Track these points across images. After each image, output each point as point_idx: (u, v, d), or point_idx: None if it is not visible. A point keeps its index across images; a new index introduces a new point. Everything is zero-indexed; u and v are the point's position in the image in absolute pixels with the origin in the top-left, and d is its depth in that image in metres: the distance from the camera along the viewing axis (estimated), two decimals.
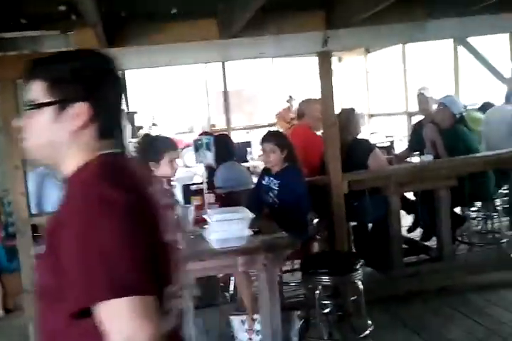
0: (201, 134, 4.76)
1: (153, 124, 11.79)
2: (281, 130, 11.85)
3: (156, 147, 3.00)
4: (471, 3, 3.55)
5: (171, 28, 3.60)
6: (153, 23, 3.65)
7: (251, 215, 2.77)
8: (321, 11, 3.69)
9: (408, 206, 4.75)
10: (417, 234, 4.81)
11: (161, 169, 2.94)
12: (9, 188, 3.52)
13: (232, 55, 3.87)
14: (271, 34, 3.62)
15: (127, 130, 9.54)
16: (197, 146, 3.31)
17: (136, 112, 11.35)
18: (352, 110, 4.29)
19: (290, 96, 11.46)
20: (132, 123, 10.37)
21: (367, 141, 4.32)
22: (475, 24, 3.77)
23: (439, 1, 3.58)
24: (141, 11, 3.62)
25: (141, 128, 11.33)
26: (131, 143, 9.61)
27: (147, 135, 4.83)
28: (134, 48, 3.51)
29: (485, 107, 5.67)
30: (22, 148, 3.44)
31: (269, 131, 3.96)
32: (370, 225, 4.29)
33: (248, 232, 2.75)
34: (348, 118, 4.15)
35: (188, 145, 16.29)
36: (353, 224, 4.20)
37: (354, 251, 4.15)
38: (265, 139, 3.59)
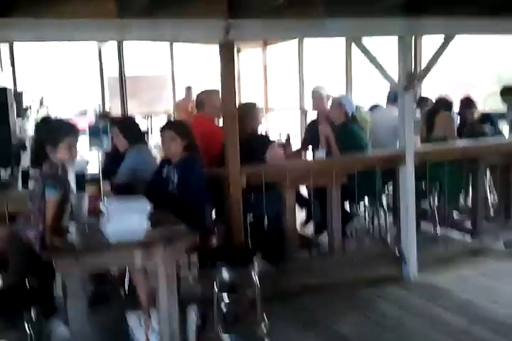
0: (101, 117, 4.57)
1: (42, 104, 11.06)
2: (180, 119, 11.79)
3: (55, 131, 2.86)
4: (366, 4, 3.71)
5: (65, 3, 3.39)
6: None
7: (150, 206, 2.70)
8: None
9: (302, 200, 4.93)
10: (310, 228, 4.99)
11: (59, 154, 2.81)
12: None
13: (129, 36, 3.70)
14: (171, 18, 3.53)
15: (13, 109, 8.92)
16: (93, 131, 3.16)
17: (22, 92, 10.61)
18: (253, 104, 4.34)
19: (189, 87, 11.34)
20: (19, 102, 9.69)
21: (265, 135, 4.41)
22: (369, 25, 3.93)
23: (338, 1, 3.71)
24: None
25: (28, 108, 10.61)
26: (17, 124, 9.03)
27: (45, 118, 4.54)
28: (22, 20, 3.25)
29: (374, 108, 6.03)
30: None
31: (170, 120, 3.90)
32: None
33: (146, 224, 2.68)
34: (248, 112, 4.20)
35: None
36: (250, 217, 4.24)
37: (250, 245, 4.21)
38: (166, 127, 3.52)
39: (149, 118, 11.92)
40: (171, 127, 3.49)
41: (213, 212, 4.12)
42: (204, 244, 3.42)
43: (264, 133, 4.61)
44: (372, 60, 4.08)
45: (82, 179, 3.39)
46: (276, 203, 4.11)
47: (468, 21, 4.03)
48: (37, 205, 2.79)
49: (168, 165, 3.52)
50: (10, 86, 10.13)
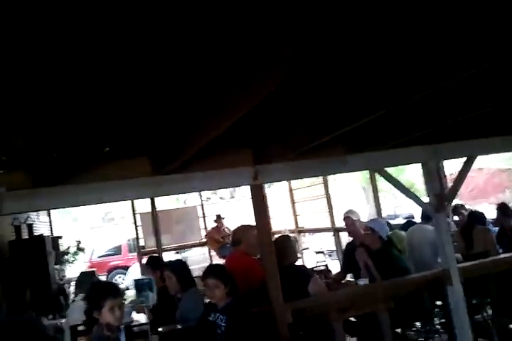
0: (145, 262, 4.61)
1: (79, 249, 11.37)
2: (212, 249, 11.89)
3: (95, 295, 2.91)
4: (381, 143, 3.95)
5: (104, 167, 3.69)
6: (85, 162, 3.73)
7: None
8: (248, 149, 3.96)
9: (350, 328, 4.77)
10: None
11: (103, 317, 2.82)
12: None
13: (163, 191, 3.95)
14: (201, 171, 3.78)
15: (52, 256, 9.16)
16: (139, 287, 3.22)
17: (60, 237, 11.00)
18: (287, 237, 4.43)
19: (218, 216, 11.62)
20: (56, 248, 10.01)
21: (305, 267, 4.41)
22: (391, 156, 4.13)
23: (355, 140, 3.95)
24: (73, 150, 3.71)
25: (66, 253, 10.92)
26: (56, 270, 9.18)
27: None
28: (63, 187, 3.52)
29: (407, 225, 6.04)
30: None
31: (211, 265, 3.98)
32: None
33: None
34: (284, 245, 4.27)
35: (115, 267, 15.89)
36: None
37: None
38: (208, 274, 3.59)
39: (183, 251, 12.09)
40: (214, 274, 3.56)
41: None
42: None
43: (302, 265, 4.60)
44: (398, 186, 4.22)
45: (130, 331, 3.39)
46: (326, 335, 4.00)
47: (490, 141, 4.21)
48: None
49: (214, 312, 3.53)
50: (47, 233, 10.61)
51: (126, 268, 15.15)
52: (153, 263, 4.58)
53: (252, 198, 3.93)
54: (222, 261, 11.66)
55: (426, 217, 5.38)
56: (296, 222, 11.19)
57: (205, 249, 12.49)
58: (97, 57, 1.92)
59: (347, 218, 5.19)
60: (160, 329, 3.59)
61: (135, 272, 12.92)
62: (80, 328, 3.63)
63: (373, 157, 4.05)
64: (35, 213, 10.19)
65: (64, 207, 3.81)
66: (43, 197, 3.34)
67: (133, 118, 3.09)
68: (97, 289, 3.00)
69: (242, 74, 2.20)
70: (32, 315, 4.50)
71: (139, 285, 3.21)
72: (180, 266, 4.43)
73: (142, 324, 3.43)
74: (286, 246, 4.24)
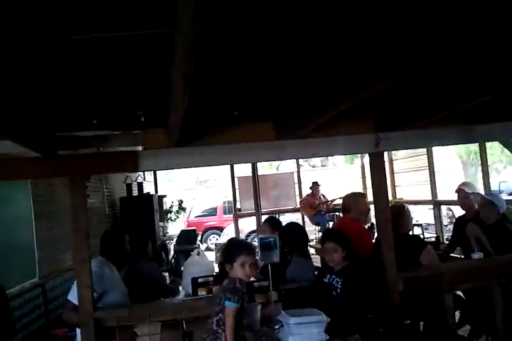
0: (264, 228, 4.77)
1: (181, 208, 11.95)
2: (306, 215, 12.05)
3: (230, 250, 3.10)
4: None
5: (231, 130, 3.85)
6: (215, 124, 3.91)
7: (327, 319, 2.80)
8: (369, 118, 3.96)
9: (457, 302, 4.73)
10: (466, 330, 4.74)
11: (234, 271, 3.00)
12: (76, 280, 3.56)
13: (286, 155, 4.07)
14: (323, 136, 3.84)
15: (157, 214, 9.71)
16: (263, 245, 3.38)
17: (165, 196, 11.61)
18: (402, 206, 4.41)
19: (315, 183, 11.71)
20: (161, 206, 10.58)
21: (419, 237, 4.40)
22: None
23: (483, 110, 3.83)
24: (205, 113, 3.90)
25: (170, 211, 11.52)
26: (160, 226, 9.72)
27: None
28: (198, 148, 3.72)
29: None
30: (89, 243, 3.53)
31: (330, 230, 4.08)
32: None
33: (325, 336, 2.77)
34: (399, 214, 4.27)
35: (210, 228, 16.58)
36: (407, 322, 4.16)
37: None
38: (327, 238, 3.70)
39: (278, 215, 12.35)
40: (333, 238, 3.66)
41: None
42: None
43: (416, 234, 4.59)
44: None
45: (251, 286, 3.58)
46: (435, 306, 4.02)
47: None
48: (216, 317, 2.98)
49: (331, 274, 3.65)
50: (152, 191, 11.22)
51: (220, 228, 15.74)
52: (274, 224, 4.77)
53: (372, 166, 3.96)
54: (315, 228, 11.86)
55: None
56: (395, 193, 11.05)
57: (299, 214, 12.68)
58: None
59: (460, 190, 5.06)
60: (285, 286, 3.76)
61: (230, 232, 13.42)
62: (200, 280, 3.85)
63: (501, 127, 3.92)
64: (141, 172, 10.79)
65: (197, 166, 4.03)
66: (177, 156, 3.56)
67: (263, 85, 3.20)
68: (233, 245, 3.19)
69: None
70: (155, 265, 4.86)
71: (264, 243, 3.37)
72: (290, 228, 4.58)
73: (263, 280, 3.61)
74: (402, 215, 4.25)
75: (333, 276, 3.62)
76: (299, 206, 12.15)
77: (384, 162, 4.01)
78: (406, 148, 6.95)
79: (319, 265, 6.24)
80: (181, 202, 11.88)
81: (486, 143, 8.02)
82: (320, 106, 3.20)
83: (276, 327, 3.02)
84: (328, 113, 3.16)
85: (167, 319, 3.52)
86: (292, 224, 4.66)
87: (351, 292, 3.45)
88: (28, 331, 4.76)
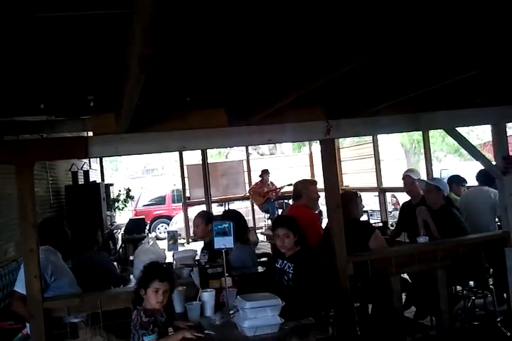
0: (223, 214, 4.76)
1: (128, 197, 11.76)
2: (255, 203, 12.12)
3: (145, 275, 2.96)
4: (456, 103, 3.93)
5: (184, 116, 3.80)
6: (167, 110, 3.86)
7: (282, 302, 2.84)
8: (321, 104, 4.01)
9: (404, 285, 4.91)
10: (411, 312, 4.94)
11: (147, 297, 2.88)
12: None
13: (240, 142, 4.07)
14: (275, 123, 3.87)
15: (104, 202, 9.52)
16: (218, 231, 3.38)
17: (112, 184, 11.38)
18: (354, 193, 4.51)
19: (264, 170, 11.78)
20: (108, 195, 10.38)
21: (367, 222, 4.52)
22: (462, 116, 4.13)
23: (429, 98, 3.95)
24: (158, 99, 3.83)
25: (117, 200, 11.31)
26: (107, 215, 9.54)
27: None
28: (150, 134, 3.66)
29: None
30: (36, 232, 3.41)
31: (281, 216, 4.12)
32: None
33: (279, 319, 2.81)
34: (350, 201, 4.37)
35: (159, 217, 16.41)
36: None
37: (358, 332, 4.22)
38: (278, 224, 3.74)
39: (226, 204, 12.38)
40: (284, 224, 3.70)
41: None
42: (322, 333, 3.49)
43: (366, 220, 4.71)
44: (467, 146, 4.22)
45: (205, 272, 3.58)
46: (382, 289, 4.16)
47: None
48: None
49: (282, 259, 3.70)
50: (99, 180, 10.99)
51: (169, 217, 15.61)
52: (207, 217, 4.75)
53: (322, 152, 4.01)
54: (265, 215, 11.96)
55: (485, 180, 5.35)
56: (341, 181, 11.28)
57: (248, 202, 12.76)
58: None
59: (407, 177, 5.23)
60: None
61: (179, 221, 13.33)
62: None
63: (446, 116, 4.05)
64: (86, 160, 10.53)
65: (149, 153, 3.97)
66: (129, 142, 3.49)
67: (216, 71, 3.17)
68: (149, 269, 3.00)
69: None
70: (105, 254, 4.77)
71: (219, 229, 3.35)
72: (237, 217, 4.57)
73: (216, 266, 3.61)
74: (353, 201, 4.35)
75: (285, 262, 3.67)
76: (248, 194, 12.22)
77: (334, 149, 4.08)
78: (355, 136, 7.09)
79: (269, 251, 6.31)
80: (129, 190, 11.68)
81: (428, 131, 8.30)
82: (272, 94, 3.21)
83: (231, 312, 3.04)
84: (281, 101, 3.18)
85: (119, 308, 3.47)
86: (230, 212, 4.68)
87: (303, 276, 3.51)
88: None
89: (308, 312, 3.14)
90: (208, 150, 11.92)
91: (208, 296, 3.16)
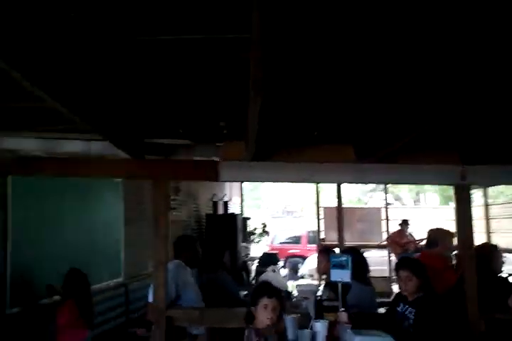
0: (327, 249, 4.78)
1: (264, 231, 12.06)
2: (393, 252, 11.66)
3: (254, 292, 3.03)
4: None
5: (310, 149, 3.89)
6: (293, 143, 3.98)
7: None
8: (453, 151, 3.87)
9: None
10: None
11: (257, 314, 2.93)
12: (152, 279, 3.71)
13: (368, 178, 4.01)
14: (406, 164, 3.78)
15: (240, 234, 9.88)
16: (335, 264, 3.35)
17: (249, 218, 11.78)
18: (494, 246, 4.21)
19: (405, 221, 11.37)
20: (245, 227, 10.76)
21: (507, 279, 4.16)
22: None
23: None
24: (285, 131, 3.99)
25: (252, 233, 11.66)
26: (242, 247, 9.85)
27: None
28: (279, 163, 3.75)
29: None
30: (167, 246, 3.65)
31: (405, 258, 3.97)
32: None
33: None
34: (490, 255, 4.06)
35: (293, 255, 16.54)
36: None
37: None
38: (402, 266, 3.60)
39: (363, 251, 12.05)
40: (408, 266, 3.55)
41: None
42: None
43: (507, 278, 4.35)
44: None
45: (320, 304, 3.55)
46: None
47: None
48: None
49: (404, 303, 3.53)
50: (237, 212, 11.46)
51: (302, 257, 15.62)
52: (329, 254, 4.73)
53: (457, 199, 3.81)
54: None
55: None
56: (488, 240, 10.45)
57: (384, 252, 12.30)
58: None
59: None
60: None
61: (312, 262, 13.26)
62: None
63: None
64: (227, 192, 11.06)
65: (276, 181, 4.11)
66: (257, 169, 3.63)
67: (345, 108, 3.24)
68: (258, 287, 3.08)
69: None
70: (229, 277, 4.93)
71: (336, 261, 3.32)
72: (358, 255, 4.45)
73: (333, 299, 3.56)
74: (493, 254, 4.05)
75: (407, 306, 3.50)
76: (384, 242, 11.81)
77: (470, 196, 3.85)
78: (495, 184, 6.61)
79: None
80: (265, 225, 11.97)
81: None
82: (397, 135, 3.18)
83: None
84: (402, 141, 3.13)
85: (236, 326, 3.55)
86: (351, 250, 4.57)
87: (425, 324, 3.31)
88: (110, 325, 5.02)
89: None
90: (348, 197, 11.85)
91: (320, 326, 3.11)
